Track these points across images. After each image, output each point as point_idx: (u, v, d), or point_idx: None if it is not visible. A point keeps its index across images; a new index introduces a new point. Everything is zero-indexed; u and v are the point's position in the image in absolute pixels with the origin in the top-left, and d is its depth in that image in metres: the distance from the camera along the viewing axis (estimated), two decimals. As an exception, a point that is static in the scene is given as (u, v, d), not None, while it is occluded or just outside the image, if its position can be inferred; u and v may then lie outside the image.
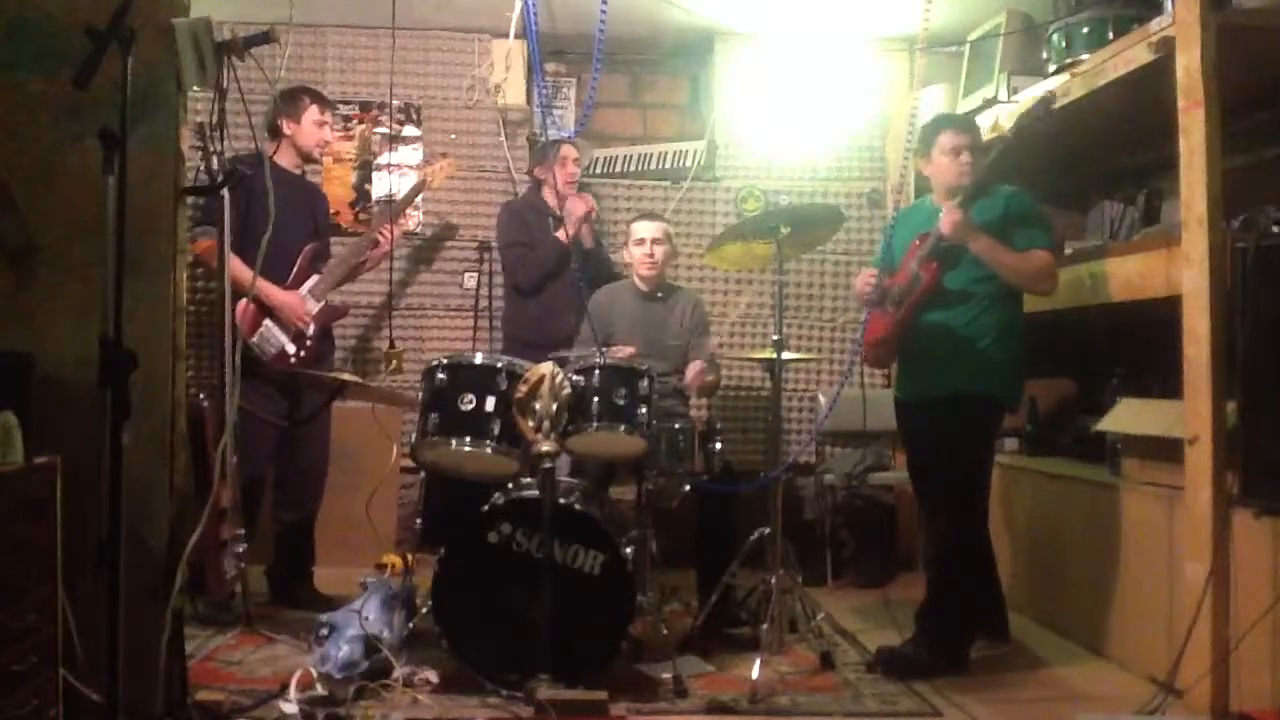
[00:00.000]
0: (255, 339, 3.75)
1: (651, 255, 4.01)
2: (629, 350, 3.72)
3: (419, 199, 4.74)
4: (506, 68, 4.92)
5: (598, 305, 4.01)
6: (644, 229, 4.05)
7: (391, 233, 4.23)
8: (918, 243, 3.41)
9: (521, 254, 4.42)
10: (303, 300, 3.87)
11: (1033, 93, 3.94)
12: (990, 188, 3.36)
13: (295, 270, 3.88)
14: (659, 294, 4.09)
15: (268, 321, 3.80)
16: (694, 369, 3.86)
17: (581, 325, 4.02)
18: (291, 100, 3.93)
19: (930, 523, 3.56)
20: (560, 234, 4.30)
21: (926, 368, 3.44)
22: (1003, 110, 4.13)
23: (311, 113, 3.93)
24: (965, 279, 3.34)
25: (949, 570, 3.31)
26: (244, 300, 3.46)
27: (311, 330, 3.90)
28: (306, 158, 4.02)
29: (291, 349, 3.85)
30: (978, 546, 3.38)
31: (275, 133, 3.94)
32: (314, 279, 3.94)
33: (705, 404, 4.95)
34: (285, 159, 3.93)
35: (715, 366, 4.06)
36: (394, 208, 4.47)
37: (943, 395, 3.35)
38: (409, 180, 4.87)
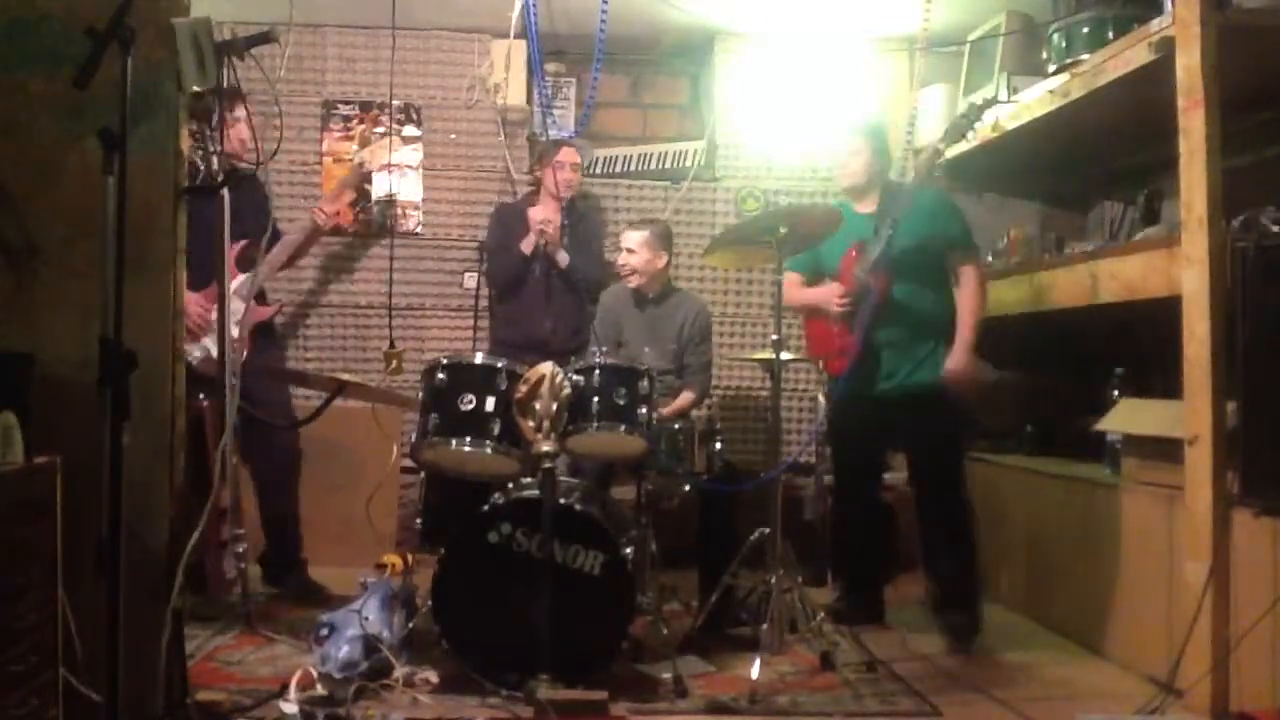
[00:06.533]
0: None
1: (625, 263, 4.10)
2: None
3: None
4: (506, 68, 4.92)
5: (605, 308, 4.14)
6: (625, 238, 4.15)
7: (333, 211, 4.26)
8: (854, 252, 3.56)
9: (491, 257, 4.58)
10: (204, 302, 3.69)
11: (1033, 93, 3.95)
12: (911, 193, 3.56)
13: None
14: (656, 298, 4.11)
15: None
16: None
17: (559, 329, 4.25)
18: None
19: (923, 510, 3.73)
20: (525, 244, 4.34)
21: (899, 364, 3.59)
22: (1003, 110, 4.13)
23: (238, 113, 3.63)
24: (916, 282, 3.54)
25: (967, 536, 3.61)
26: None
27: (237, 333, 3.70)
28: (233, 156, 3.62)
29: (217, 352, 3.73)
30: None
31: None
32: (239, 279, 3.77)
33: (706, 404, 4.95)
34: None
35: (702, 381, 4.11)
36: (332, 192, 4.49)
37: (919, 387, 3.54)
38: (410, 180, 4.87)
